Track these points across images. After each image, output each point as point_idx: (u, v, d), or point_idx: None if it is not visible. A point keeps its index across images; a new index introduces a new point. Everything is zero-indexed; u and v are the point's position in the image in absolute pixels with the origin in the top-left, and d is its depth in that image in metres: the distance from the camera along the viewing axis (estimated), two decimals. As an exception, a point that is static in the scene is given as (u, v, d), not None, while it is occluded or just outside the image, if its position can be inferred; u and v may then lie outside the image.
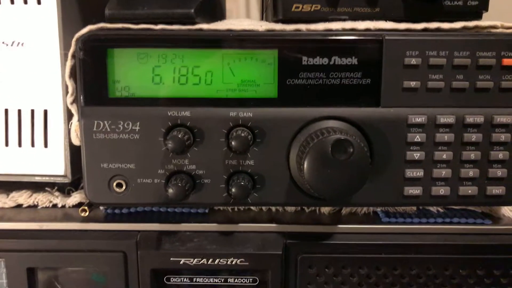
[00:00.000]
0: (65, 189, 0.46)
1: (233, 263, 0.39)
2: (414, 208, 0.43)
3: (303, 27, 0.39)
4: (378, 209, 0.44)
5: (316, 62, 0.38)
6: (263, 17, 0.53)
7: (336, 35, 0.38)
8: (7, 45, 0.43)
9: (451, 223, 0.42)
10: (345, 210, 0.44)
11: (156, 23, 0.39)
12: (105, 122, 0.38)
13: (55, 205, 0.45)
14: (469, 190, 0.40)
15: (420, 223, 0.42)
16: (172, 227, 0.41)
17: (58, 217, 0.43)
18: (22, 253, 0.40)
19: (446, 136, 0.39)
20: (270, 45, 0.38)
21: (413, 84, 0.38)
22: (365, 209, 0.44)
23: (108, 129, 0.38)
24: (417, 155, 0.39)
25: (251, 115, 0.39)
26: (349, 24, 0.39)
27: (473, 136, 0.39)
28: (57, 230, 0.41)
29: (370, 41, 0.38)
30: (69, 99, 0.40)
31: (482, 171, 0.39)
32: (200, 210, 0.43)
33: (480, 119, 0.39)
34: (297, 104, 0.38)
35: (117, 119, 0.38)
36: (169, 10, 0.39)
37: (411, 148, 0.39)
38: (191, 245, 0.40)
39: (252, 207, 0.44)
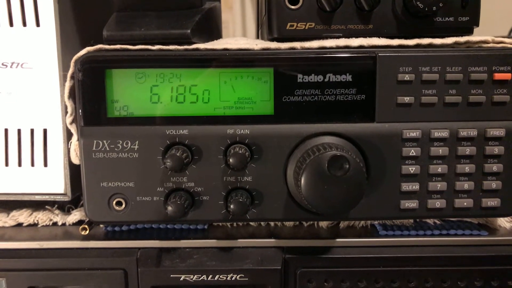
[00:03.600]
0: (65, 207, 0.46)
1: (233, 278, 0.40)
2: (411, 220, 0.44)
3: (297, 45, 0.40)
4: (376, 222, 0.44)
5: (311, 79, 0.39)
6: (259, 34, 0.54)
7: (330, 52, 0.39)
8: (6, 66, 0.43)
9: (448, 235, 0.42)
10: (343, 224, 0.44)
11: (153, 44, 0.39)
12: (104, 141, 0.39)
13: (55, 223, 0.45)
14: (465, 202, 0.40)
15: (417, 235, 0.42)
16: (172, 244, 0.41)
17: (58, 235, 0.43)
18: (23, 272, 0.41)
19: (440, 150, 0.39)
20: (266, 64, 0.39)
21: (407, 99, 0.39)
22: (362, 222, 0.44)
23: (107, 148, 0.39)
24: (412, 169, 0.40)
25: (248, 132, 0.39)
26: (343, 41, 0.40)
27: (467, 150, 0.39)
28: (57, 248, 0.41)
29: (363, 58, 0.39)
30: (69, 119, 0.40)
31: (477, 183, 0.40)
32: (200, 226, 0.44)
33: (473, 133, 0.39)
34: (293, 120, 0.39)
35: (116, 138, 0.39)
36: (166, 31, 0.40)
37: (407, 162, 0.40)
38: (191, 261, 0.40)
39: (251, 223, 0.44)
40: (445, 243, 0.42)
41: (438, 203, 0.40)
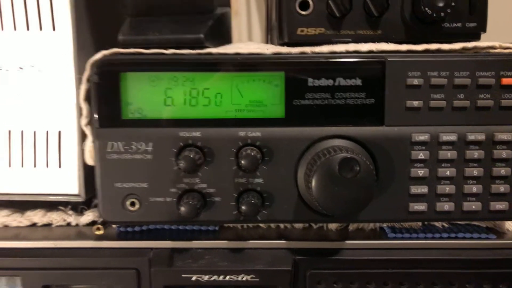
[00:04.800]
0: (78, 207, 0.47)
1: (244, 279, 0.40)
2: (420, 223, 0.44)
3: (308, 49, 0.41)
4: (384, 225, 0.45)
5: (321, 83, 0.40)
6: (268, 39, 0.55)
7: (340, 57, 0.40)
8: (23, 69, 0.44)
9: (456, 238, 0.43)
10: (352, 226, 0.45)
11: (167, 48, 0.40)
12: (119, 143, 0.40)
13: (69, 224, 0.46)
14: (473, 205, 0.41)
15: (425, 238, 0.43)
16: (184, 245, 0.42)
17: (72, 235, 0.44)
18: (38, 271, 0.41)
19: (449, 153, 0.40)
20: (277, 68, 0.40)
21: (415, 103, 0.39)
22: (371, 225, 0.45)
23: (122, 150, 0.40)
24: (421, 172, 0.40)
25: (259, 135, 0.40)
26: (352, 46, 0.41)
27: (475, 153, 0.40)
28: (71, 248, 0.42)
29: (373, 63, 0.40)
30: (84, 121, 0.41)
31: (485, 187, 0.40)
32: (211, 228, 0.44)
33: (481, 137, 0.40)
34: (304, 123, 0.40)
35: (130, 140, 0.40)
36: (180, 35, 0.41)
37: (415, 165, 0.40)
38: (202, 262, 0.41)
39: (260, 224, 0.45)
40: (453, 246, 0.42)
41: (447, 206, 0.41)
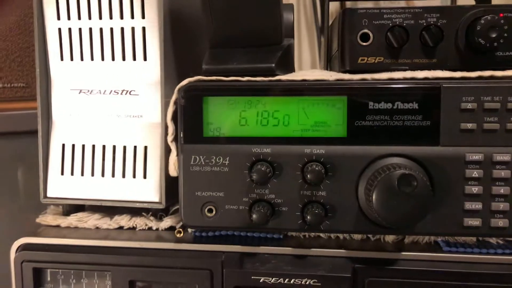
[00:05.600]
0: (157, 214, 0.53)
1: (307, 283, 0.44)
2: (474, 239, 0.47)
3: (368, 76, 0.45)
4: (439, 239, 0.47)
5: (381, 106, 0.44)
6: (327, 66, 0.60)
7: (398, 83, 0.44)
8: (117, 93, 0.52)
9: (511, 254, 0.44)
10: (407, 239, 0.48)
11: (243, 76, 0.46)
12: (201, 157, 0.46)
13: (150, 228, 0.52)
14: (528, 223, 0.43)
15: (480, 253, 0.45)
16: (253, 249, 0.46)
17: (152, 238, 0.50)
18: (125, 268, 0.47)
19: (502, 173, 0.42)
20: (340, 92, 0.44)
21: (469, 125, 0.43)
22: (426, 238, 0.47)
23: (203, 163, 0.46)
24: (475, 189, 0.43)
25: (323, 152, 0.44)
26: (409, 74, 0.45)
27: (529, 173, 0.42)
28: (154, 249, 0.48)
29: (429, 89, 0.43)
30: (170, 137, 0.48)
31: (540, 205, 0.43)
32: (276, 236, 0.49)
33: (535, 157, 0.42)
34: (365, 142, 0.44)
35: (210, 154, 0.46)
36: (254, 65, 0.47)
37: (469, 183, 0.43)
38: (269, 265, 0.45)
39: (321, 235, 0.49)
40: (507, 261, 0.44)
41: (501, 222, 0.43)
